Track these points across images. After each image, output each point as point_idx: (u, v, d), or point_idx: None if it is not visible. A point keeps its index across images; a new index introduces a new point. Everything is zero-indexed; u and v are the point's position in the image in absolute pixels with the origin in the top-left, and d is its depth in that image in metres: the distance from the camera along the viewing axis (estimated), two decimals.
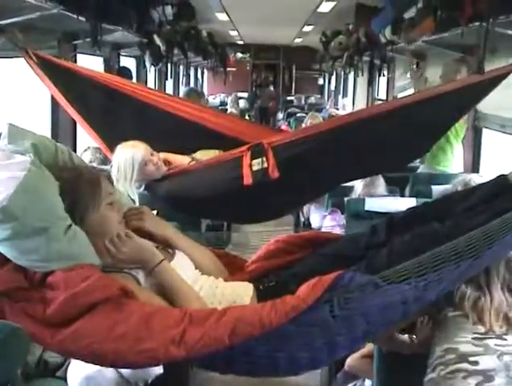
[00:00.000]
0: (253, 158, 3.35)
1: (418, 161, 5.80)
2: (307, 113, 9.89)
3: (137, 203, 3.33)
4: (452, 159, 5.54)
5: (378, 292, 1.94)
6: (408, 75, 6.14)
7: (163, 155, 3.76)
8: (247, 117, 13.40)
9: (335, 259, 2.34)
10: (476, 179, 3.96)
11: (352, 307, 1.92)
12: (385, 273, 1.99)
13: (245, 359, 1.95)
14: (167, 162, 3.76)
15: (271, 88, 17.64)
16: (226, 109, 12.64)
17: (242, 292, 2.32)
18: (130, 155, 3.54)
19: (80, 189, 2.11)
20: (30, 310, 1.89)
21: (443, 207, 2.51)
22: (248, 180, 3.34)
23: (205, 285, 2.29)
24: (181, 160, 3.87)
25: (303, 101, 16.76)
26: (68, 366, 2.65)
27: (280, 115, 15.34)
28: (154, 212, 2.63)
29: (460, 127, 5.31)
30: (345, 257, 2.36)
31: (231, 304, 2.20)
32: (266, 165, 3.34)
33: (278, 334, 1.90)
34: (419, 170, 5.74)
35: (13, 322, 1.80)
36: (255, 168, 3.35)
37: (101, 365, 2.14)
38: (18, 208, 1.86)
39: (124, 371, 2.53)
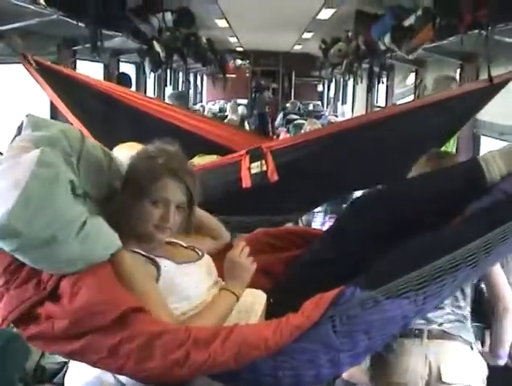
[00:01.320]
0: (251, 161, 3.35)
1: None
2: (306, 120, 9.89)
3: None
4: None
5: (379, 307, 1.94)
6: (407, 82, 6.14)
7: None
8: (246, 124, 13.38)
9: (328, 266, 2.35)
10: None
11: (353, 323, 1.92)
12: (384, 287, 1.98)
13: (249, 376, 1.94)
14: None
15: (267, 94, 17.59)
16: (225, 116, 12.66)
17: (255, 300, 2.30)
18: (125, 156, 3.52)
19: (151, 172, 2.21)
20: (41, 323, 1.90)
21: (424, 188, 2.46)
22: (247, 183, 3.34)
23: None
24: None
25: (297, 108, 16.72)
26: (65, 372, 2.65)
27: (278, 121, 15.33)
28: None
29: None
30: (334, 254, 2.37)
31: (241, 315, 2.20)
32: (265, 168, 3.34)
33: (282, 351, 1.90)
34: None
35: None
36: (254, 171, 3.35)
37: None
38: (19, 224, 1.79)
39: (123, 377, 2.52)
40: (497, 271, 2.69)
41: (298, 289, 2.13)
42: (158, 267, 2.12)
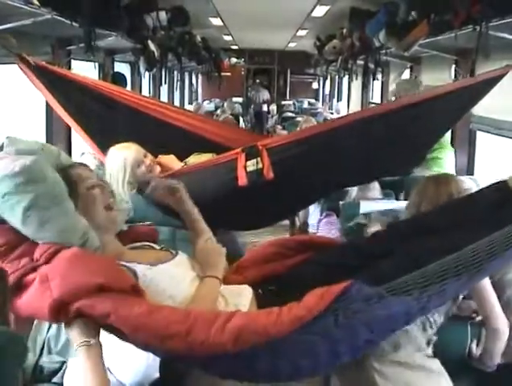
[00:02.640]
0: (247, 159, 3.35)
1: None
2: (302, 117, 9.89)
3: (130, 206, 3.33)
4: (444, 162, 5.52)
5: (383, 303, 1.95)
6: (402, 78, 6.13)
7: (156, 158, 3.75)
8: (242, 122, 13.37)
9: (336, 267, 2.34)
10: (468, 183, 3.98)
11: (356, 317, 1.93)
12: (389, 284, 2.00)
13: (246, 365, 1.94)
14: (159, 166, 3.75)
15: (265, 93, 17.58)
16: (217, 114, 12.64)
17: (242, 294, 2.31)
18: (121, 157, 3.52)
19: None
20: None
21: (446, 215, 2.51)
22: (243, 181, 3.34)
23: None
24: (172, 162, 3.86)
25: (292, 106, 16.74)
26: (64, 371, 2.64)
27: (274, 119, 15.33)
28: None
29: None
30: (346, 266, 2.36)
31: (231, 307, 2.20)
32: (260, 166, 3.34)
33: (281, 341, 1.90)
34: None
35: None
36: (250, 169, 3.35)
37: None
38: (44, 169, 1.99)
39: (122, 376, 2.52)
40: (486, 287, 2.68)
41: (303, 281, 2.13)
42: (134, 273, 2.13)
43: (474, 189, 3.25)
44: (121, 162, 3.50)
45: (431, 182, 2.98)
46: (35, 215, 1.97)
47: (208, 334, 1.86)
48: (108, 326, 1.92)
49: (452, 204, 2.67)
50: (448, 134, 5.35)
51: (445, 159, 5.38)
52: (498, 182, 2.46)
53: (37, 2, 3.53)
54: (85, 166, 2.36)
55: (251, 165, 3.33)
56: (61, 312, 1.87)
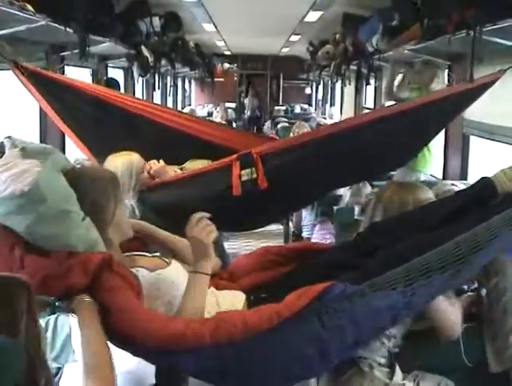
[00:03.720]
0: (242, 168, 3.36)
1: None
2: (294, 123, 9.91)
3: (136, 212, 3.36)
4: (429, 162, 5.52)
5: (366, 299, 1.96)
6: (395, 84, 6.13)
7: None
8: (235, 126, 13.39)
9: (325, 269, 2.34)
10: (456, 186, 4.00)
11: (340, 316, 1.93)
12: (373, 281, 2.00)
13: (237, 371, 1.95)
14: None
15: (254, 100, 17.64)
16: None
17: (235, 300, 2.32)
18: (128, 164, 3.52)
19: (103, 187, 2.18)
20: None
21: (429, 213, 2.52)
22: (237, 191, 3.36)
23: None
24: (164, 170, 3.86)
25: (282, 112, 16.81)
26: (60, 378, 2.64)
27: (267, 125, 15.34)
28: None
29: None
30: (335, 267, 2.37)
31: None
32: (255, 175, 3.35)
33: (267, 343, 1.91)
34: (397, 172, 5.62)
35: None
36: (244, 178, 3.36)
37: None
38: (46, 190, 1.95)
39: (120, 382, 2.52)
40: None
41: (296, 287, 2.13)
42: (135, 277, 2.13)
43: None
44: (127, 169, 3.49)
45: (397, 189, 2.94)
46: (40, 232, 1.97)
47: (188, 323, 1.91)
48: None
49: (437, 202, 2.68)
50: None
51: (426, 158, 5.41)
52: (483, 179, 2.47)
53: (32, 9, 3.53)
54: None
55: (245, 174, 3.35)
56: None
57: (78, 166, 2.41)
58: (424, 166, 5.47)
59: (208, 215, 2.21)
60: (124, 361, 2.42)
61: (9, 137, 2.20)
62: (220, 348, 1.89)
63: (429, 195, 2.78)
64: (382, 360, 2.60)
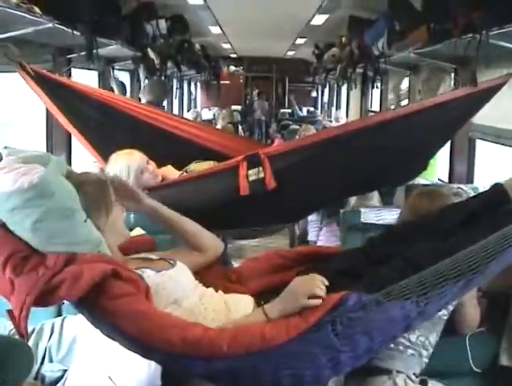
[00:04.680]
0: (249, 168, 3.35)
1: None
2: (300, 126, 9.91)
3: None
4: (435, 169, 5.53)
5: (380, 309, 1.95)
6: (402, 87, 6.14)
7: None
8: (240, 129, 13.38)
9: (335, 275, 2.34)
10: (463, 189, 4.01)
11: (354, 325, 1.93)
12: (386, 290, 1.99)
13: (249, 377, 1.96)
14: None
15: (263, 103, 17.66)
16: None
17: (243, 304, 2.32)
18: (125, 163, 3.52)
19: (91, 192, 2.16)
20: None
21: (442, 219, 2.52)
22: (245, 191, 3.34)
23: (207, 293, 2.31)
24: (170, 173, 3.87)
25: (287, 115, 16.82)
26: (65, 381, 2.64)
27: (273, 127, 15.35)
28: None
29: None
30: (345, 274, 2.37)
31: (233, 315, 2.21)
32: (262, 175, 3.34)
33: (281, 352, 1.91)
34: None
35: None
36: (252, 178, 3.35)
37: None
38: (54, 184, 1.97)
39: (124, 385, 2.52)
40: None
41: None
42: (141, 277, 2.14)
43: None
44: (124, 168, 3.50)
45: (425, 196, 2.98)
46: (45, 229, 1.98)
47: (206, 331, 1.92)
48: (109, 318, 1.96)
49: (450, 208, 2.68)
50: None
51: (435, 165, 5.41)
52: (495, 186, 2.47)
53: (39, 11, 3.54)
54: None
55: (253, 174, 3.33)
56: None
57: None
58: (432, 174, 5.48)
59: (327, 283, 2.09)
60: (130, 362, 2.43)
61: (5, 148, 2.20)
62: (236, 358, 1.90)
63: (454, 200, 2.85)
64: (415, 375, 2.62)
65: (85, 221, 2.06)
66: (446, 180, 5.83)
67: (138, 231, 3.20)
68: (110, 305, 1.93)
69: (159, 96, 7.06)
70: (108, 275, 1.95)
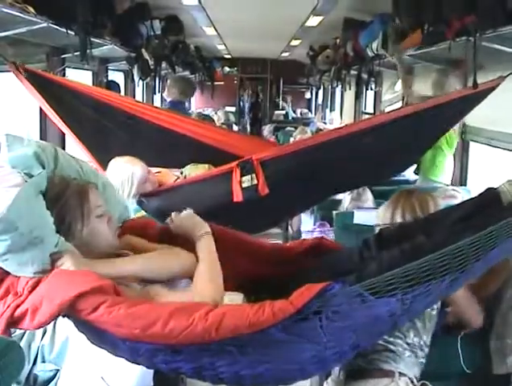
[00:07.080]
0: (242, 174, 3.36)
1: (403, 173, 5.86)
2: (296, 127, 9.92)
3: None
4: (443, 171, 5.55)
5: (365, 305, 1.95)
6: (396, 88, 6.15)
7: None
8: (235, 129, 13.38)
9: (328, 274, 2.34)
10: (458, 191, 4.02)
11: (340, 319, 1.93)
12: (372, 281, 1.98)
13: (232, 369, 1.95)
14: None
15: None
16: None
17: (234, 301, 2.32)
18: (129, 172, 3.54)
19: (67, 202, 2.10)
20: None
21: (432, 220, 2.53)
22: (238, 197, 3.36)
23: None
24: (165, 177, 3.87)
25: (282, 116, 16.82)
26: (58, 380, 2.64)
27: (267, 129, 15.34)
28: None
29: (452, 139, 5.33)
30: (338, 273, 2.37)
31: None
32: (255, 182, 3.35)
33: (267, 342, 1.92)
34: (417, 183, 5.74)
35: None
36: (245, 185, 3.36)
37: None
38: (17, 217, 1.88)
39: (117, 384, 2.52)
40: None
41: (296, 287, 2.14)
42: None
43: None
44: (129, 175, 3.53)
45: (411, 197, 2.99)
46: (13, 259, 1.95)
47: (192, 319, 1.88)
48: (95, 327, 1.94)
49: (442, 211, 2.70)
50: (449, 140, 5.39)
51: (444, 163, 5.43)
52: (489, 190, 2.48)
53: (33, 11, 3.54)
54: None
55: (246, 181, 3.35)
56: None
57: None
58: (438, 174, 5.52)
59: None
60: (123, 362, 2.42)
61: (6, 135, 2.19)
62: (224, 344, 1.90)
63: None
64: (417, 378, 2.62)
65: (56, 245, 2.00)
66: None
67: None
68: (91, 317, 1.91)
69: (188, 94, 6.95)
70: (70, 302, 1.90)
